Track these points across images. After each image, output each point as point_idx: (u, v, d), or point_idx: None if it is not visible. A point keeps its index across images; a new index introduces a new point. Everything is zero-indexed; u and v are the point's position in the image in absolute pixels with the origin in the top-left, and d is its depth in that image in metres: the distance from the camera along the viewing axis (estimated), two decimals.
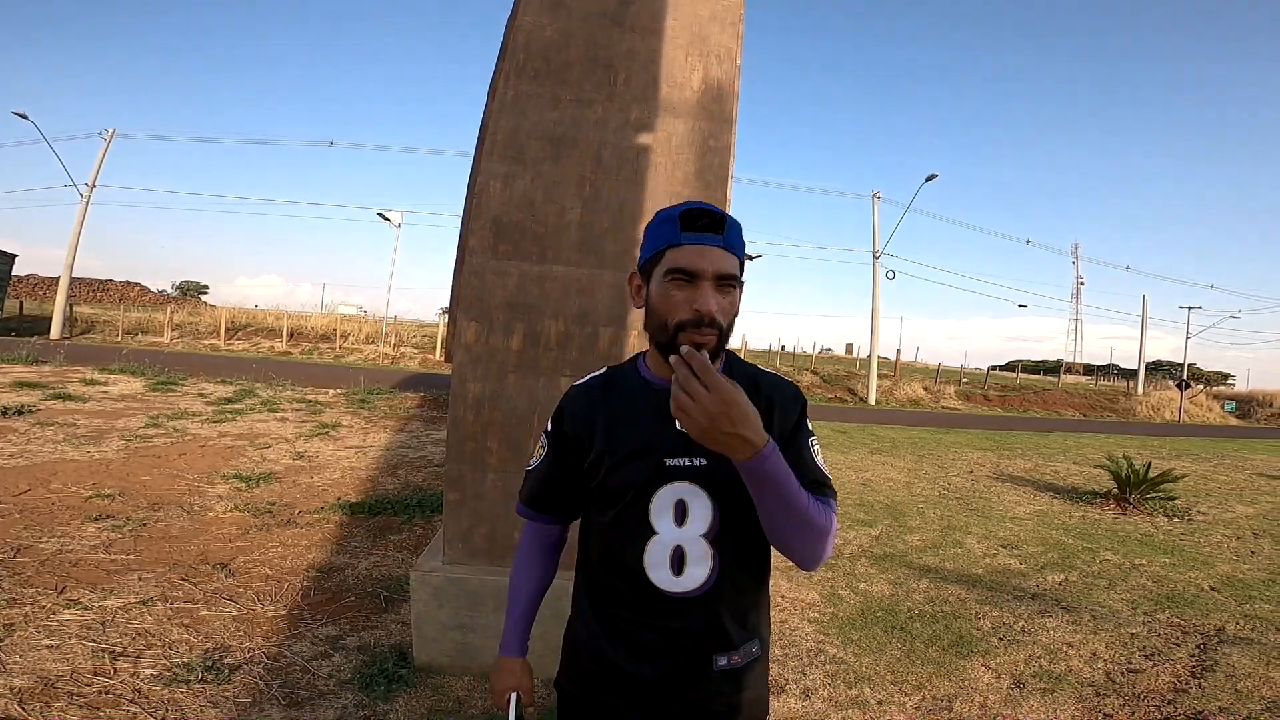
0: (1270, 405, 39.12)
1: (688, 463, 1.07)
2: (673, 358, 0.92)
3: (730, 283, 1.03)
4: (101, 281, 45.13)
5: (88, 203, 24.02)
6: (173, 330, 25.33)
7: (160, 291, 48.93)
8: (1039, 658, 3.14)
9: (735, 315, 1.06)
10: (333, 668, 2.57)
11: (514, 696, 1.23)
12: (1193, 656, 3.22)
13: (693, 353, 0.90)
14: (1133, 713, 2.67)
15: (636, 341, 2.55)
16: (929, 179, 24.35)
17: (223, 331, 25.26)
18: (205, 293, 58.78)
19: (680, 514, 1.08)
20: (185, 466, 5.49)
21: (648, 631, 1.11)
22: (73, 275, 24.34)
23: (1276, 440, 18.84)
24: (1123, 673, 3.03)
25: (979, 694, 2.76)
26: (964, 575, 4.33)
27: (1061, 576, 4.43)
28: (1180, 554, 5.14)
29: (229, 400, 9.37)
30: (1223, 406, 38.66)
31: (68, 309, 23.87)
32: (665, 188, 2.56)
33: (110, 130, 24.82)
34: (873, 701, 2.66)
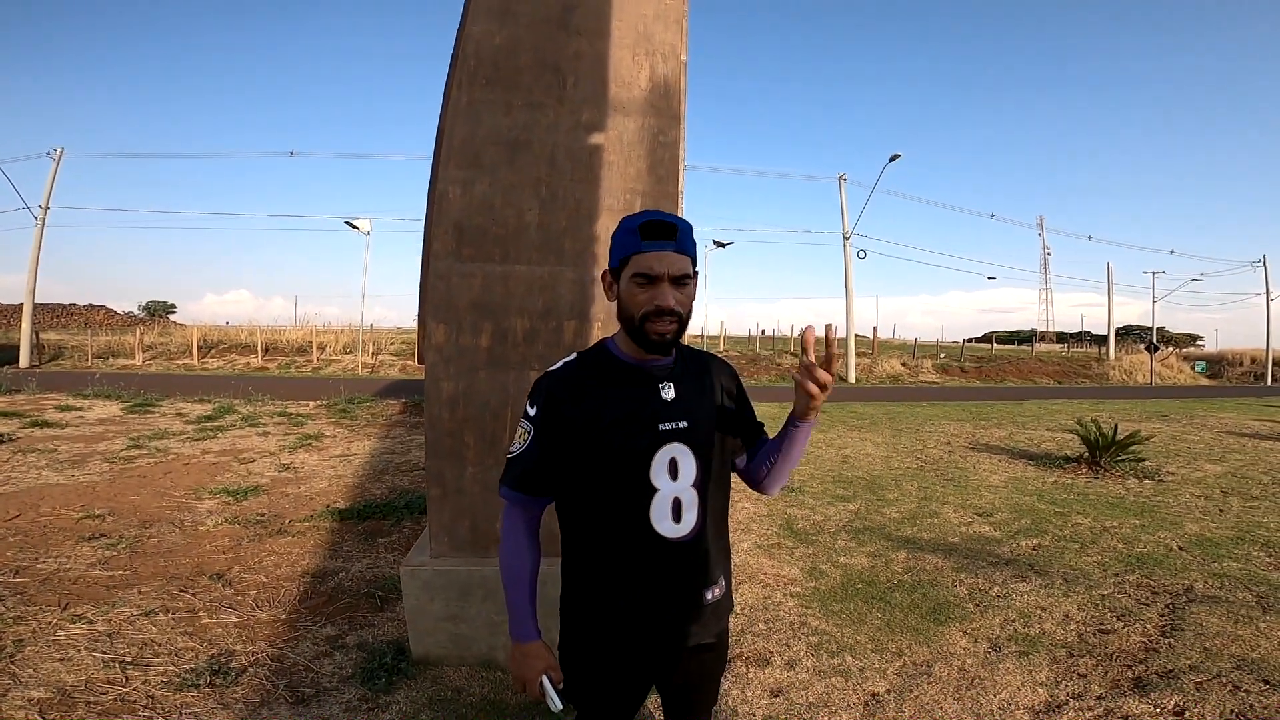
0: (1240, 364, 40.18)
1: (675, 425, 1.28)
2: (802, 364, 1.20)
3: (685, 280, 1.23)
4: (64, 306, 44.16)
5: (43, 225, 23.59)
6: (144, 352, 24.99)
7: (127, 313, 47.91)
8: (1014, 621, 3.20)
9: (692, 303, 1.28)
10: (335, 666, 2.67)
11: (546, 678, 1.26)
12: (1162, 616, 3.27)
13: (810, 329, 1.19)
14: (1106, 673, 2.71)
15: (599, 332, 2.67)
16: (892, 159, 24.73)
17: (195, 350, 24.97)
18: (173, 312, 57.77)
19: (673, 470, 1.27)
20: (171, 484, 5.53)
21: (654, 578, 1.28)
22: (34, 301, 23.87)
23: (1244, 399, 19.12)
24: (1095, 634, 3.07)
25: (957, 659, 2.83)
26: (941, 544, 4.45)
27: (1035, 541, 4.53)
28: (1150, 515, 5.24)
29: (209, 418, 9.36)
30: (1193, 367, 39.57)
31: (33, 336, 23.43)
32: (619, 184, 2.67)
33: (59, 150, 24.35)
34: (855, 669, 2.74)
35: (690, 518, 1.29)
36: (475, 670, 2.64)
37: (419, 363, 2.77)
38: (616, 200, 2.67)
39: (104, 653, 2.69)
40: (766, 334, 39.25)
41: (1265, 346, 36.84)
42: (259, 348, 25.84)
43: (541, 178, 2.64)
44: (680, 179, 2.71)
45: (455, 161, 2.62)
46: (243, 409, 10.28)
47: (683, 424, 1.28)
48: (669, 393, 1.29)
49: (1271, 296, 36.48)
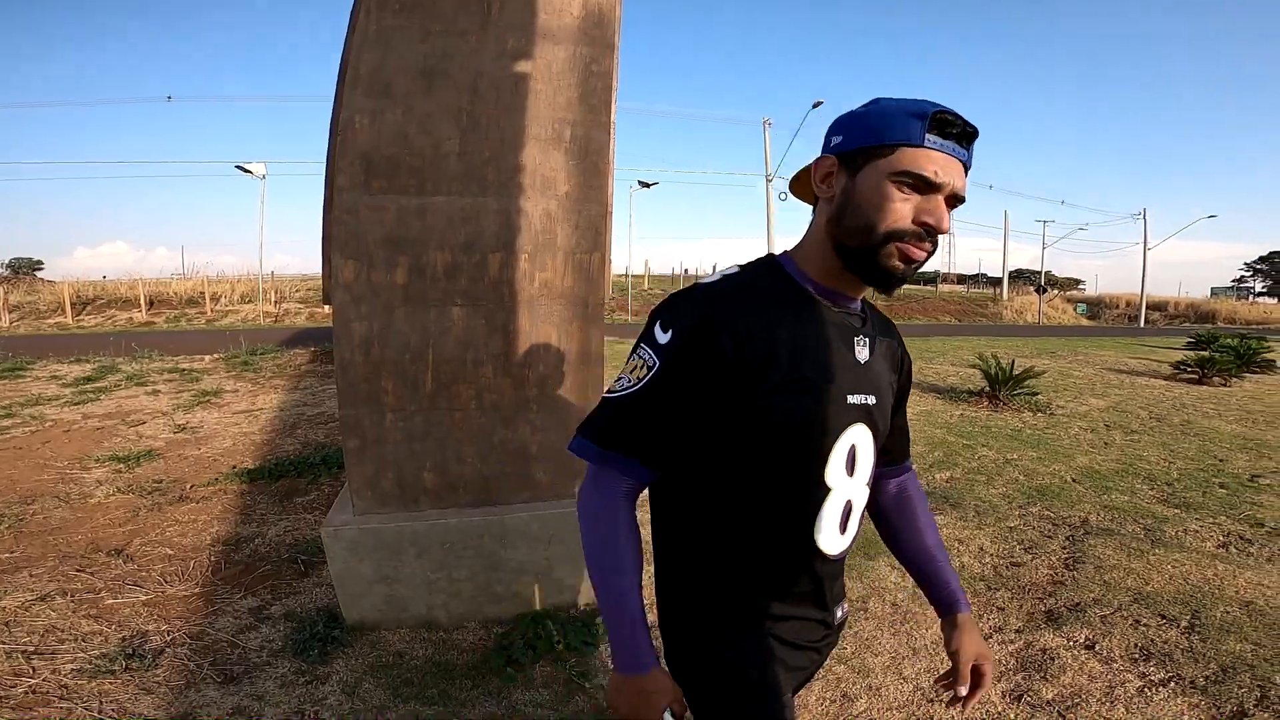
0: (1116, 307, 43.76)
1: (863, 399, 0.93)
2: None
3: (957, 205, 0.87)
4: None
5: None
6: (10, 312, 22.51)
7: None
8: None
9: None
10: (262, 639, 2.51)
11: (668, 712, 0.94)
12: (1064, 549, 3.42)
13: None
14: (1021, 605, 2.83)
15: (527, 265, 2.51)
16: (815, 106, 25.14)
17: (69, 307, 22.69)
18: (40, 269, 52.57)
19: (851, 463, 0.93)
20: (52, 454, 5.02)
21: (802, 603, 0.97)
22: None
23: (1121, 338, 20.48)
24: (1007, 566, 3.21)
25: (889, 594, 2.92)
26: None
27: (948, 474, 4.71)
28: (1044, 447, 5.52)
29: (88, 379, 8.52)
30: (1075, 309, 42.83)
31: None
32: (547, 113, 2.50)
33: None
34: None
35: (854, 525, 0.97)
36: (415, 632, 2.54)
37: (325, 303, 2.55)
38: (544, 129, 2.50)
39: (3, 643, 2.43)
40: (690, 273, 39.41)
41: (1140, 291, 40.13)
42: (142, 301, 23.71)
43: (463, 106, 2.42)
44: (613, 109, 2.56)
45: (362, 90, 2.36)
46: (127, 367, 9.42)
47: (870, 399, 0.94)
48: (864, 352, 0.93)
49: (1148, 246, 39.59)
